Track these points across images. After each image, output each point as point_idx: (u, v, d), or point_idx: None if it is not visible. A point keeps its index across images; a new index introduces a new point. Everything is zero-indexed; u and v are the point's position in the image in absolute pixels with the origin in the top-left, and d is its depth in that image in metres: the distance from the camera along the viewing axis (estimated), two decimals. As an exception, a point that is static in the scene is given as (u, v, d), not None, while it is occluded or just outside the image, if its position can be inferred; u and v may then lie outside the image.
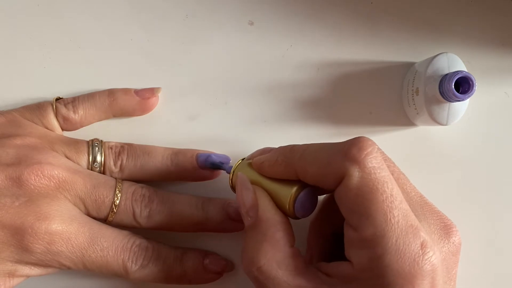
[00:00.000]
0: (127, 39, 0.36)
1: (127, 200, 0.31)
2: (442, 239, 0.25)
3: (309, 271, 0.26)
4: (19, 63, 0.35)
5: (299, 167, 0.27)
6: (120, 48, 0.36)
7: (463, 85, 0.31)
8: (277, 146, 0.30)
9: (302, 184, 0.28)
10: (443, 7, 0.37)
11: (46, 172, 0.29)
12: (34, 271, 0.30)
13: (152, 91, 0.34)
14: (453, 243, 0.26)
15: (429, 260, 0.23)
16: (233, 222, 0.33)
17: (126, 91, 0.34)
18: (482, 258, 0.36)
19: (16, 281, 0.30)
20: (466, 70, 0.32)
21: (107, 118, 0.34)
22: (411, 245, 0.23)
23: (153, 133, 0.35)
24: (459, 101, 0.31)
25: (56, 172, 0.29)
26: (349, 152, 0.25)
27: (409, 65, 0.36)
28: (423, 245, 0.24)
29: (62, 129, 0.34)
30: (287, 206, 0.28)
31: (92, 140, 0.33)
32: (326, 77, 0.36)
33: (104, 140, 0.33)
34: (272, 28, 0.36)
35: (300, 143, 0.29)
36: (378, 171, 0.24)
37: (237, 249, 0.34)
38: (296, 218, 0.28)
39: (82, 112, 0.33)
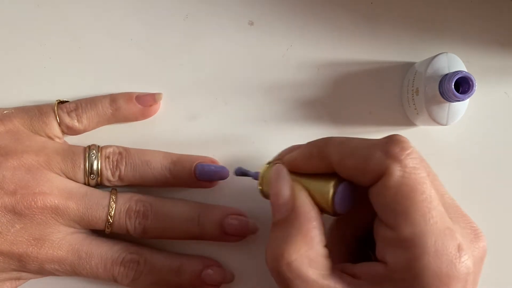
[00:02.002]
0: (127, 39, 0.36)
1: (120, 219, 0.32)
2: (472, 243, 0.25)
3: (336, 273, 0.25)
4: (19, 63, 0.35)
5: (336, 160, 0.26)
6: (120, 48, 0.36)
7: (463, 85, 0.31)
8: (299, 143, 0.29)
9: (339, 178, 0.27)
10: (443, 7, 0.37)
11: (40, 203, 0.30)
12: (36, 276, 0.33)
13: (153, 98, 0.34)
14: (482, 248, 0.25)
15: (465, 263, 0.23)
16: (229, 236, 0.33)
17: (128, 98, 0.34)
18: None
19: (21, 282, 0.33)
20: (466, 70, 0.32)
21: (110, 124, 0.35)
22: (449, 247, 0.23)
23: (153, 133, 0.35)
24: (459, 101, 0.31)
25: (49, 201, 0.30)
26: (391, 149, 0.25)
27: (409, 65, 0.36)
28: (459, 248, 0.23)
29: (64, 133, 0.34)
30: (327, 201, 0.27)
31: (89, 147, 0.33)
32: (326, 77, 0.36)
33: (101, 145, 0.33)
34: (272, 28, 0.36)
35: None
36: (418, 172, 0.24)
37: (238, 251, 0.34)
38: (335, 214, 0.27)
39: (86, 122, 0.33)
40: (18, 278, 0.32)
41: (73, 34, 0.36)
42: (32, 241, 0.30)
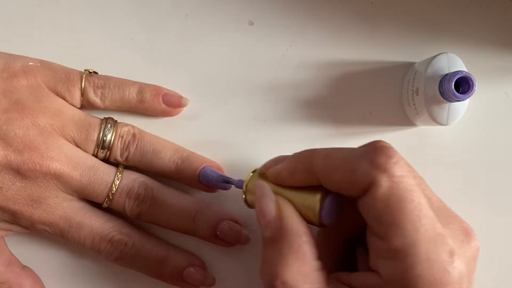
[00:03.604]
0: (127, 39, 0.36)
1: (120, 198, 0.32)
2: (464, 244, 0.25)
3: (332, 284, 0.25)
4: (19, 63, 0.35)
5: (322, 174, 0.26)
6: (120, 48, 0.36)
7: (463, 85, 0.31)
8: (288, 154, 0.29)
9: (325, 190, 0.26)
10: (443, 7, 0.37)
11: (45, 167, 0.30)
12: (26, 231, 0.33)
13: (180, 101, 0.34)
14: (474, 247, 0.25)
15: (458, 268, 0.23)
16: (219, 240, 0.33)
17: (155, 94, 0.34)
18: (482, 258, 0.35)
19: (11, 233, 0.33)
20: (466, 70, 0.32)
21: (129, 110, 0.34)
22: (441, 254, 0.23)
23: (153, 133, 0.35)
24: (459, 101, 0.31)
25: (54, 167, 0.30)
26: (376, 159, 0.24)
27: (409, 65, 0.36)
28: (451, 253, 0.23)
29: (82, 106, 0.34)
30: (314, 214, 0.26)
31: (106, 120, 0.33)
32: (326, 77, 0.36)
33: (118, 122, 0.33)
34: (272, 28, 0.36)
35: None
36: (406, 180, 0.24)
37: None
38: (322, 226, 0.27)
39: (108, 103, 0.33)
40: (9, 230, 0.32)
41: (72, 34, 0.36)
42: (29, 201, 0.31)
